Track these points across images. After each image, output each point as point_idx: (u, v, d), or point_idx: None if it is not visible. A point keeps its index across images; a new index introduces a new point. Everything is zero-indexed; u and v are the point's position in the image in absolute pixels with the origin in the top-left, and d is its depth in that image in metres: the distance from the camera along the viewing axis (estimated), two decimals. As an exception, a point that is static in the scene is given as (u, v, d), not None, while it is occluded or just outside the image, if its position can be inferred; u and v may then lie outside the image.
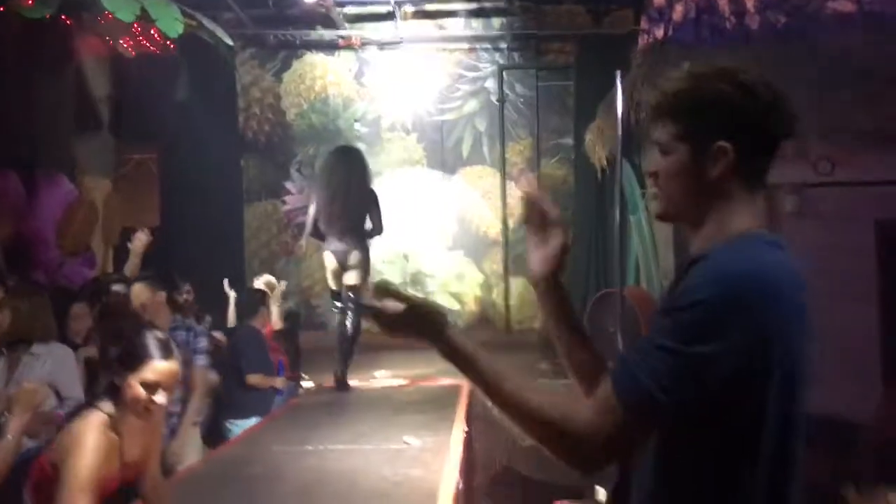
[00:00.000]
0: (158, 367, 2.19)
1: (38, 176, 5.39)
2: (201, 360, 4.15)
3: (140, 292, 3.93)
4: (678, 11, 6.48)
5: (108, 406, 2.21)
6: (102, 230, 6.07)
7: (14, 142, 5.25)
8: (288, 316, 5.86)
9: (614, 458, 1.22)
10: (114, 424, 2.19)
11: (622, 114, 4.99)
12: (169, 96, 7.25)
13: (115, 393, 2.20)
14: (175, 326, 4.16)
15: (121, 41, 6.40)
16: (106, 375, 2.25)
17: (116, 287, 4.08)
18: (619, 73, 4.59)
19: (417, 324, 1.28)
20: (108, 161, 6.63)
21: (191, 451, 4.03)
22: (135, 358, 2.17)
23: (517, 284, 8.42)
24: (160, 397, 2.20)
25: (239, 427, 4.45)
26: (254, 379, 4.70)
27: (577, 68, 8.04)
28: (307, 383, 5.86)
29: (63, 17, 5.52)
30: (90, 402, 2.29)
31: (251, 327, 4.96)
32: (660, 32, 6.49)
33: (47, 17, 4.97)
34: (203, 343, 4.19)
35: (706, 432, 1.19)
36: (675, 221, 1.40)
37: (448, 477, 3.04)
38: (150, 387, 2.17)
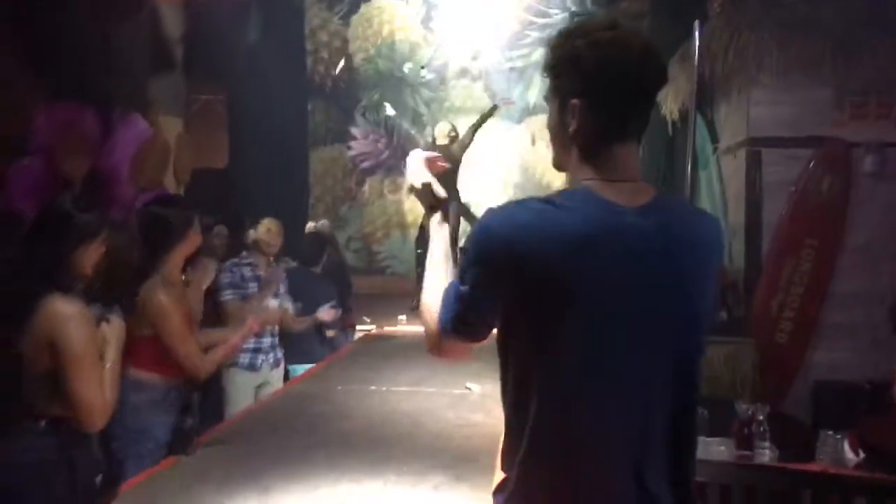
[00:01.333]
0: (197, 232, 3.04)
1: (114, 114, 5.51)
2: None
3: (270, 224, 4.47)
4: (761, -42, 6.20)
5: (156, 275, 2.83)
6: (173, 169, 6.21)
7: (92, 80, 5.36)
8: (336, 266, 5.85)
9: (440, 356, 1.48)
10: (166, 284, 2.82)
11: (698, 65, 4.85)
12: (239, 38, 7.30)
13: (161, 265, 2.84)
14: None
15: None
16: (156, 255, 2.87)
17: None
18: (697, 23, 4.44)
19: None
20: (180, 101, 6.73)
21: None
22: (182, 231, 2.93)
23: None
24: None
25: (299, 370, 4.57)
26: (331, 333, 4.88)
27: (651, 16, 7.81)
28: (368, 326, 5.97)
29: (139, -44, 5.59)
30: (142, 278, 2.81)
31: (331, 284, 5.09)
32: (740, -20, 6.23)
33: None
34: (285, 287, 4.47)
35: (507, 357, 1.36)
36: (561, 171, 1.48)
37: (510, 423, 3.08)
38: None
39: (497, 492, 1.40)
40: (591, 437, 1.29)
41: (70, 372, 2.06)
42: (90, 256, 2.28)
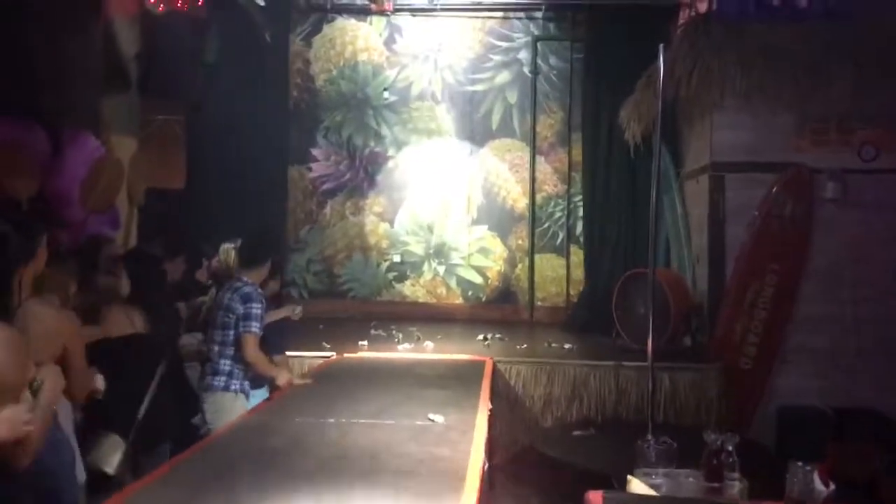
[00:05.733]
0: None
1: (64, 133, 5.31)
2: None
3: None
4: (722, -15, 6.24)
5: None
6: (127, 190, 6.01)
7: (41, 97, 5.17)
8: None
9: None
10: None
11: (662, 89, 4.81)
12: (197, 56, 7.12)
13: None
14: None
15: (150, -3, 6.30)
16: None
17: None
18: (662, 47, 4.41)
19: None
20: (135, 120, 6.53)
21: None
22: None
23: (542, 261, 8.30)
24: None
25: (258, 395, 4.40)
26: (279, 358, 4.71)
27: (620, 37, 7.79)
28: (328, 352, 5.80)
29: (93, -29, 5.43)
30: None
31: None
32: (703, 6, 6.27)
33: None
34: None
35: None
36: None
37: (475, 457, 2.96)
38: None
39: None
40: None
41: None
42: (26, 277, 2.17)
